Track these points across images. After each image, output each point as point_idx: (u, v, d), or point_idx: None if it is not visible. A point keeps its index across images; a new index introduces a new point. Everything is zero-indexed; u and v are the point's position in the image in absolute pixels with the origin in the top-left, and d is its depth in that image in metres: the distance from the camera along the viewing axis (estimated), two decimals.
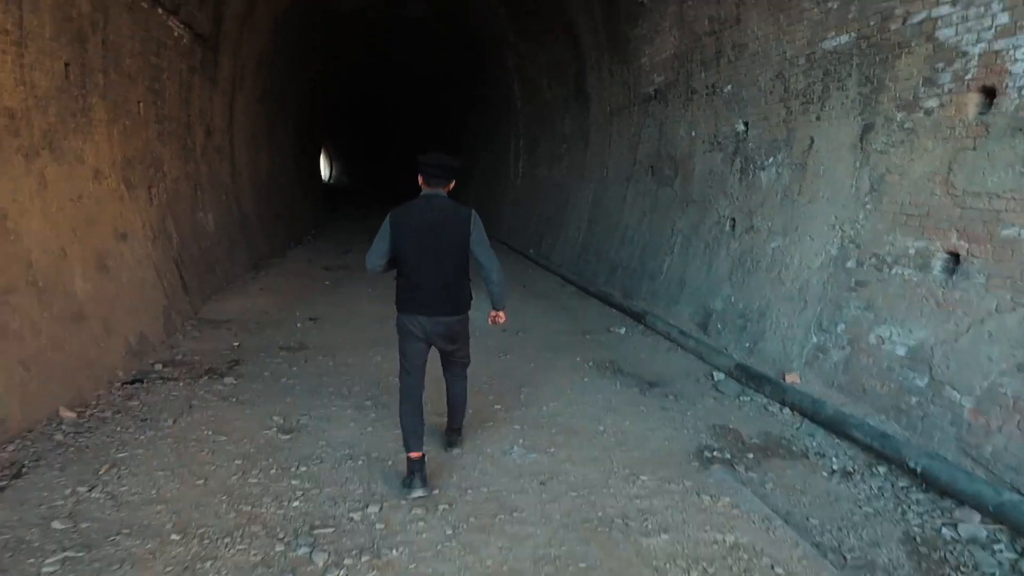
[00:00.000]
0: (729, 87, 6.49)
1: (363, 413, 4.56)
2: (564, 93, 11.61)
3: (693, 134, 7.25)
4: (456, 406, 3.88)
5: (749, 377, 5.24)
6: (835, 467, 4.00)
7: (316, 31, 14.00)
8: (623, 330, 7.06)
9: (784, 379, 5.01)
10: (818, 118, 5.25)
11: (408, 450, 3.38)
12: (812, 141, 5.32)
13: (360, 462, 3.71)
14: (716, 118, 6.77)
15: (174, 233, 7.19)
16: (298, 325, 7.23)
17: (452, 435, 3.96)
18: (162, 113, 7.08)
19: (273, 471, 3.58)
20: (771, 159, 5.86)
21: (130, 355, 5.55)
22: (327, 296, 8.81)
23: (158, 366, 5.48)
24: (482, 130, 17.78)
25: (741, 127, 6.35)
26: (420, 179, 3.57)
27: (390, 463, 3.70)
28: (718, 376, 5.53)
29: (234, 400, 4.79)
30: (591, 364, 5.85)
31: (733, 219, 6.40)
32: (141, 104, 6.48)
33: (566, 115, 11.69)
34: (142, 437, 4.04)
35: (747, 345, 5.73)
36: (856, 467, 3.98)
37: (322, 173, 25.99)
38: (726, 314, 6.15)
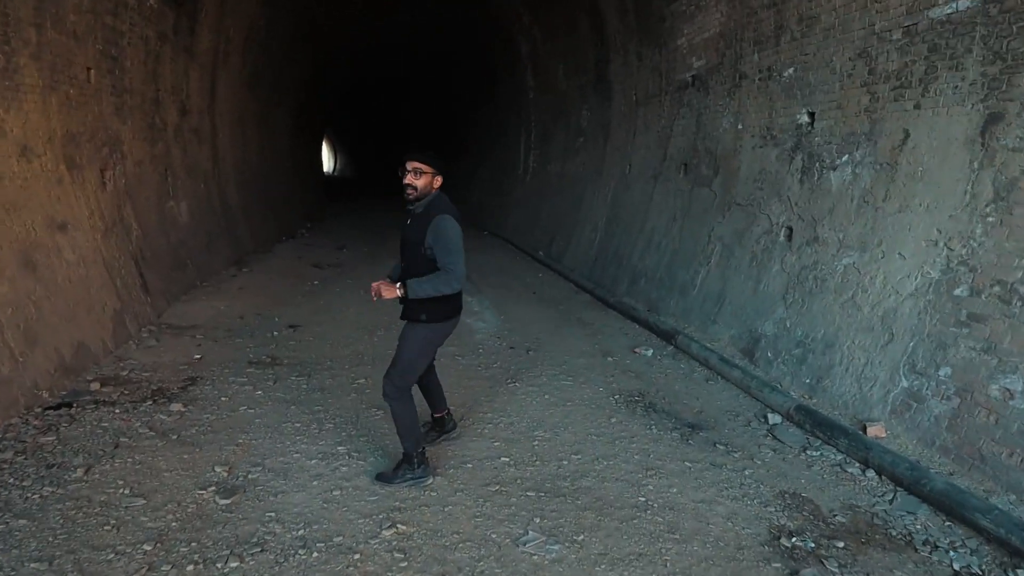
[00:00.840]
0: (791, 70, 5.44)
1: (332, 465, 3.53)
2: (582, 82, 10.55)
3: (740, 127, 6.21)
4: (440, 389, 3.97)
5: (815, 424, 4.20)
6: (956, 566, 2.97)
7: (314, 12, 12.96)
8: (650, 352, 6.02)
9: (864, 431, 3.98)
10: (917, 106, 4.20)
11: (418, 447, 3.35)
12: (907, 135, 4.28)
13: (316, 553, 2.69)
14: (771, 107, 5.72)
15: (134, 224, 6.17)
16: (275, 333, 6.22)
17: (447, 417, 3.98)
18: (121, 84, 6.05)
19: (191, 567, 2.56)
20: (845, 157, 4.82)
21: (62, 371, 4.55)
22: (313, 299, 7.79)
23: (96, 385, 4.49)
24: (491, 123, 16.73)
25: (804, 118, 5.30)
26: (439, 180, 3.35)
27: (357, 556, 2.68)
28: (773, 419, 4.49)
29: (174, 437, 3.78)
30: (618, 398, 4.82)
31: (790, 228, 5.36)
32: (92, 71, 5.46)
33: (583, 106, 10.64)
34: (36, 496, 3.05)
35: (808, 381, 4.70)
36: (986, 567, 2.95)
37: (323, 164, 24.96)
38: (779, 341, 5.11)
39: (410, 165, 3.21)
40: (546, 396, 4.74)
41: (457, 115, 19.94)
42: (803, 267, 5.08)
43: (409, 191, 3.23)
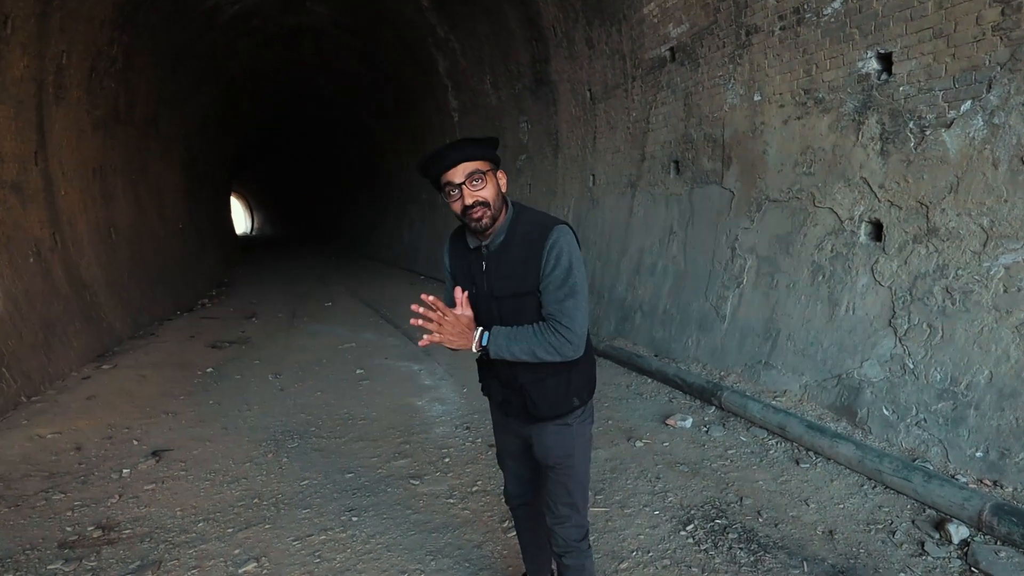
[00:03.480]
0: (836, 4, 3.72)
1: None
2: (517, 89, 8.75)
3: (756, 97, 4.46)
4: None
5: None
6: None
7: (198, 41, 10.67)
8: (688, 422, 4.07)
9: None
10: None
11: None
12: None
13: None
14: (808, 61, 3.99)
15: None
16: (124, 472, 3.87)
17: None
18: None
19: None
20: (967, 104, 3.08)
21: None
22: (200, 398, 5.42)
23: None
24: (414, 158, 14.73)
25: (873, 64, 3.57)
26: (504, 177, 1.80)
27: None
28: (957, 531, 2.60)
29: None
30: (693, 528, 2.81)
31: (875, 222, 3.58)
32: None
33: (521, 117, 8.82)
34: None
35: (980, 456, 2.85)
36: None
37: (235, 223, 22.15)
38: (899, 390, 3.27)
39: (460, 172, 1.68)
40: None
41: (376, 155, 17.83)
42: (917, 275, 3.28)
43: (478, 213, 1.70)
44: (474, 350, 1.74)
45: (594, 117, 6.77)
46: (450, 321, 1.69)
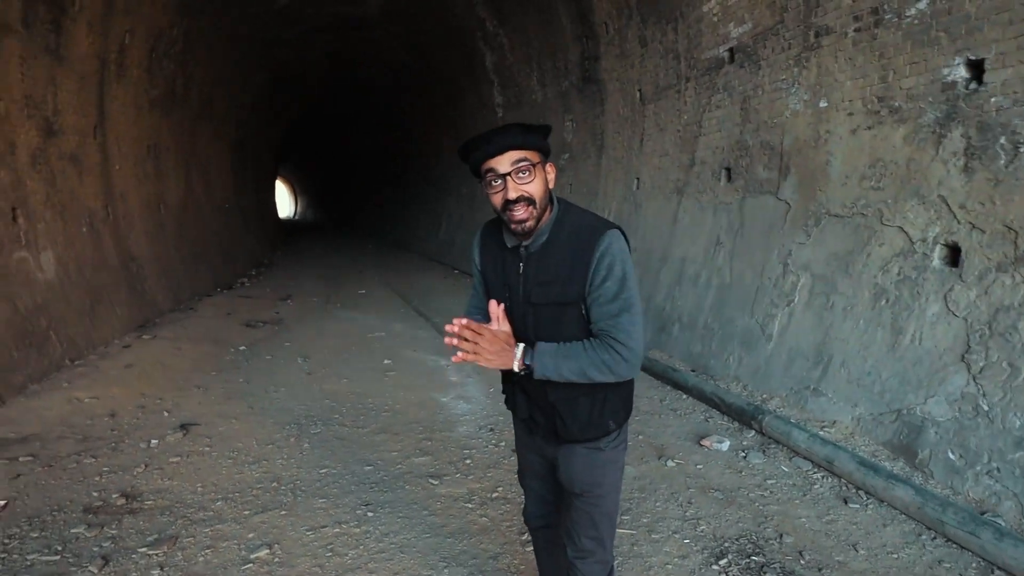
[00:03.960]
0: (922, 4, 3.34)
1: None
2: (563, 87, 8.44)
3: (822, 104, 4.08)
4: None
5: None
6: None
7: (252, 28, 10.67)
8: (725, 444, 3.74)
9: None
10: None
11: None
12: None
13: None
14: (884, 67, 3.60)
15: None
16: (152, 443, 3.81)
17: None
18: None
19: None
20: None
21: None
22: (230, 375, 5.32)
23: None
24: (455, 151, 14.53)
25: (961, 72, 3.18)
26: (553, 171, 1.54)
27: None
28: None
29: None
30: (726, 564, 2.51)
31: (952, 245, 3.19)
32: None
33: (566, 116, 8.51)
34: None
35: None
36: None
37: (278, 206, 22.37)
38: (969, 434, 2.89)
39: (506, 161, 1.43)
40: None
41: (418, 147, 17.71)
42: (999, 308, 2.90)
43: (520, 212, 1.45)
44: (516, 369, 1.47)
45: (643, 118, 6.43)
46: (487, 339, 1.43)
